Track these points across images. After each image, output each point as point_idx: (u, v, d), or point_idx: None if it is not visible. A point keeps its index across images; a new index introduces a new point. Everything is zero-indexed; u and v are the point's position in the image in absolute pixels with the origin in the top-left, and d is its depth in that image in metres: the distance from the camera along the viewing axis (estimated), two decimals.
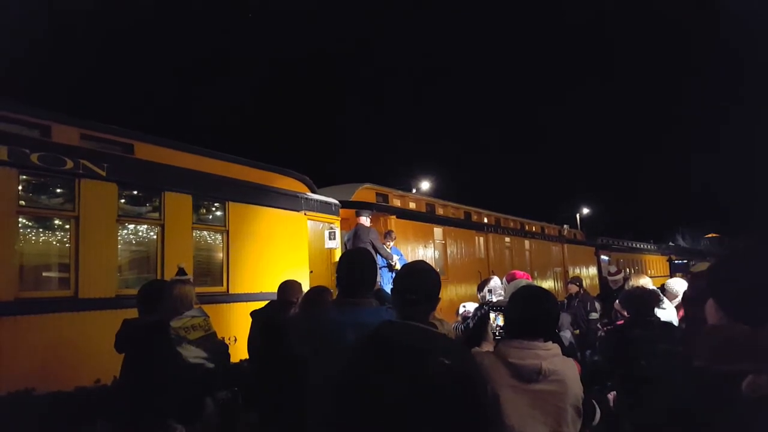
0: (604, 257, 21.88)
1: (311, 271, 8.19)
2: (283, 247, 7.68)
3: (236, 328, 5.98)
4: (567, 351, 2.73)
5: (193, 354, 3.35)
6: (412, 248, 10.52)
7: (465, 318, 4.63)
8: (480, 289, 4.58)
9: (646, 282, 4.84)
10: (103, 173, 5.42)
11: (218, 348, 3.65)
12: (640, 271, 21.97)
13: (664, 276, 21.24)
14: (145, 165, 5.92)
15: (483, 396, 1.88)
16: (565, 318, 6.89)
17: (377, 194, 10.44)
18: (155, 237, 6.05)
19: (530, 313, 2.16)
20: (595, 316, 7.99)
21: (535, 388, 2.04)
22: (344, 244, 8.57)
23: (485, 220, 14.26)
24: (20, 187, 4.90)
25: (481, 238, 13.67)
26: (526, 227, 16.65)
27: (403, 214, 10.74)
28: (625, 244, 26.72)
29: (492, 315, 2.97)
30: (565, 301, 8.79)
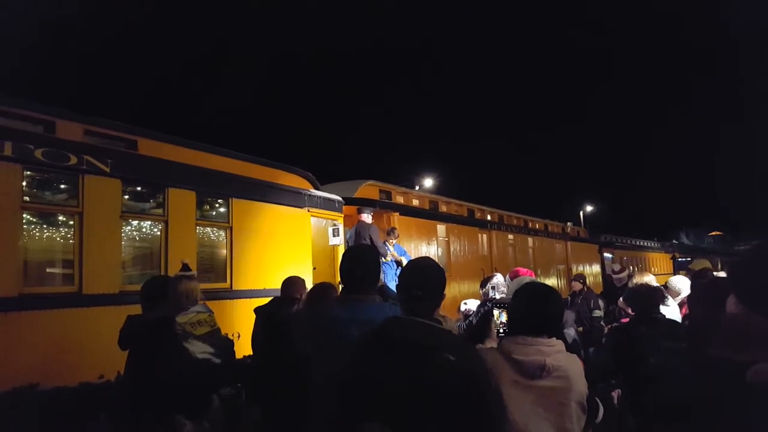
0: (607, 255, 21.81)
1: (314, 268, 8.19)
2: (287, 244, 7.68)
3: (239, 324, 5.98)
4: (570, 348, 2.71)
5: (200, 349, 3.34)
6: (415, 245, 10.50)
7: (466, 316, 4.63)
8: (483, 286, 4.57)
9: (650, 280, 4.82)
10: (107, 169, 5.43)
11: (224, 344, 3.65)
12: (644, 269, 21.89)
13: (668, 274, 21.18)
14: (148, 161, 5.92)
15: (487, 392, 1.87)
16: (569, 315, 6.87)
17: (380, 191, 10.43)
18: (159, 233, 6.05)
19: (534, 309, 2.15)
20: (598, 313, 7.98)
21: (539, 385, 2.03)
22: (347, 241, 8.57)
23: (488, 218, 14.23)
24: (24, 183, 4.90)
25: (485, 236, 13.64)
26: (530, 224, 16.61)
27: (407, 211, 10.72)
28: (629, 241, 26.63)
29: (495, 312, 2.96)
30: (569, 298, 8.77)
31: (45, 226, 5.32)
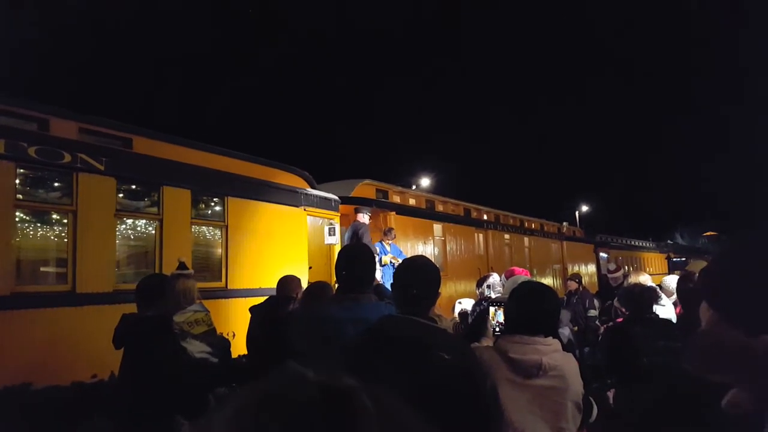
0: (603, 255, 21.88)
1: (310, 267, 8.17)
2: (283, 243, 7.66)
3: (235, 323, 5.96)
4: (566, 348, 2.71)
5: (198, 349, 3.32)
6: (412, 244, 10.50)
7: (462, 315, 4.63)
8: (479, 285, 4.57)
9: (646, 279, 4.84)
10: (102, 167, 5.40)
11: (221, 343, 3.63)
12: (639, 269, 21.96)
13: (663, 273, 21.24)
14: (143, 159, 5.89)
15: (483, 391, 1.87)
16: (564, 315, 6.88)
17: (377, 190, 10.41)
18: (154, 232, 6.02)
19: (531, 308, 2.15)
20: (594, 313, 7.99)
21: (535, 384, 2.02)
22: (343, 241, 8.56)
23: (485, 217, 14.24)
24: (18, 181, 4.87)
25: (481, 235, 13.65)
26: (526, 224, 16.63)
27: (403, 210, 10.72)
28: (624, 241, 26.72)
29: (492, 309, 2.96)
30: (565, 298, 8.79)
31: (38, 224, 5.29)
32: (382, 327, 1.89)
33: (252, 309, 4.25)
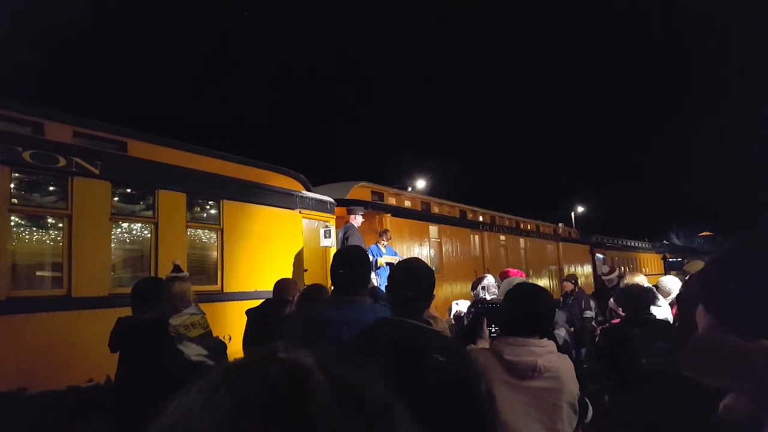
0: (598, 255, 21.92)
1: (306, 270, 8.16)
2: (278, 246, 7.65)
3: (231, 326, 5.95)
4: (562, 349, 2.72)
5: (194, 352, 3.31)
6: (408, 246, 10.50)
7: (458, 317, 4.63)
8: (474, 287, 4.58)
9: (642, 280, 4.86)
10: (97, 171, 5.38)
11: (217, 346, 3.63)
12: (635, 269, 22.02)
13: (659, 274, 21.30)
14: (138, 163, 5.87)
15: (478, 393, 1.88)
16: (560, 316, 6.90)
17: (372, 192, 10.42)
18: (149, 235, 6.00)
19: (526, 310, 2.15)
20: (590, 314, 8.01)
21: (531, 385, 2.03)
22: (338, 243, 8.55)
23: (480, 219, 14.25)
24: (12, 185, 4.85)
25: (477, 237, 13.66)
26: (522, 225, 16.66)
27: (399, 212, 10.72)
28: (620, 242, 26.77)
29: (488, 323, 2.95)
30: (560, 299, 8.80)
31: (33, 228, 5.27)
32: (376, 329, 1.89)
33: (248, 312, 4.26)
